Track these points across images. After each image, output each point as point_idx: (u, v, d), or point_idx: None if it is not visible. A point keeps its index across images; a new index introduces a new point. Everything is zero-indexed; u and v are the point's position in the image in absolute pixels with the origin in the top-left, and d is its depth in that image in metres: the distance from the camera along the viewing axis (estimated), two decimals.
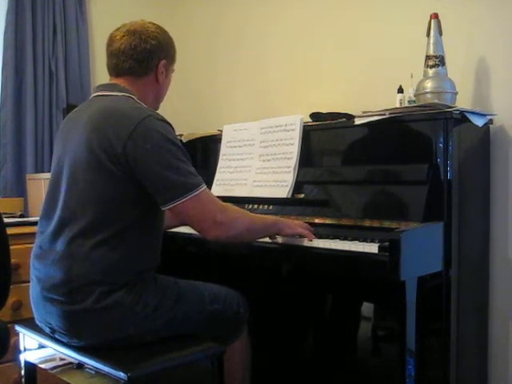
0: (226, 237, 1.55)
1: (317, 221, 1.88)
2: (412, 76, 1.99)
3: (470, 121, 1.76)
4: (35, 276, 1.58)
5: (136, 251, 1.52)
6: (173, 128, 1.57)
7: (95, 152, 1.48)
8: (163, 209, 1.51)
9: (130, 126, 1.47)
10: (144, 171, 1.47)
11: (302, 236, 1.72)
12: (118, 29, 1.68)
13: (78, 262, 1.47)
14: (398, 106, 2.02)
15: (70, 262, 1.48)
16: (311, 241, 1.70)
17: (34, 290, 1.59)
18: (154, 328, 1.53)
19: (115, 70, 1.66)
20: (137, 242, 1.53)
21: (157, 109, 1.73)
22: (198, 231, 1.55)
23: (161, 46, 1.67)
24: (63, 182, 1.55)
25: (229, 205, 1.61)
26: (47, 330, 1.59)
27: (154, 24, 1.70)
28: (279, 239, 1.76)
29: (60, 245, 1.50)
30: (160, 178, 1.47)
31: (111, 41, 1.67)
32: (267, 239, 1.75)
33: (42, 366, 1.73)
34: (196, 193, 1.48)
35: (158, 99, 1.75)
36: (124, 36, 1.64)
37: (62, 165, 1.57)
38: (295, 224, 1.75)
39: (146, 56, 1.64)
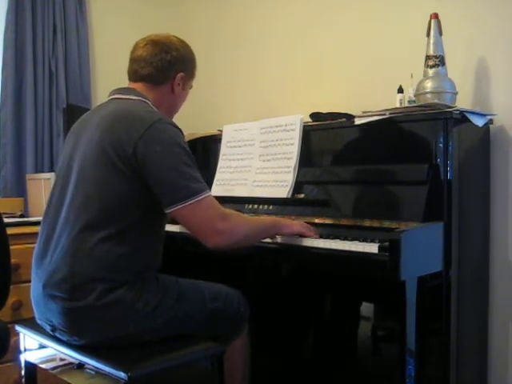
0: (225, 245, 1.56)
1: (317, 221, 1.88)
2: (412, 76, 1.99)
3: (470, 121, 1.76)
4: (37, 274, 1.58)
5: (137, 250, 1.53)
6: (182, 133, 1.60)
7: (107, 151, 1.51)
8: (166, 211, 1.52)
9: (142, 128, 1.50)
10: (151, 172, 1.49)
11: (302, 236, 1.73)
12: (142, 38, 1.73)
13: (81, 259, 1.48)
14: (398, 105, 2.02)
15: (73, 258, 1.49)
16: (314, 237, 1.71)
17: (35, 287, 1.59)
18: (154, 326, 1.53)
19: (134, 75, 1.71)
20: (139, 242, 1.53)
21: None
22: (198, 238, 1.56)
23: (181, 59, 1.72)
24: (72, 180, 1.56)
25: (229, 211, 1.61)
26: (48, 328, 1.59)
27: (178, 38, 1.77)
28: (279, 239, 1.76)
29: (63, 242, 1.51)
30: (165, 180, 1.49)
31: (135, 48, 1.73)
32: (267, 239, 1.76)
33: (43, 366, 1.73)
34: (198, 198, 1.49)
35: (171, 111, 1.78)
36: (147, 44, 1.70)
37: (71, 163, 1.59)
38: (294, 224, 1.75)
39: (165, 65, 1.69)
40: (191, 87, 1.83)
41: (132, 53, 1.73)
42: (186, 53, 1.76)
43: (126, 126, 1.52)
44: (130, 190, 1.51)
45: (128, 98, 1.65)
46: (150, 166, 1.48)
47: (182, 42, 1.77)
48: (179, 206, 1.48)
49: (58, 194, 1.60)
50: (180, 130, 1.58)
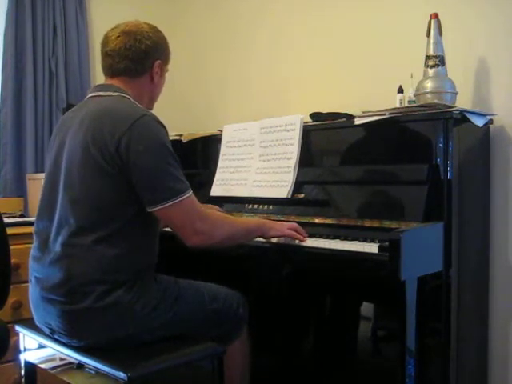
0: (204, 246, 1.56)
1: (317, 221, 1.88)
2: (412, 76, 1.99)
3: (469, 121, 1.76)
4: (34, 277, 1.58)
5: (133, 250, 1.52)
6: (166, 129, 1.57)
7: (90, 152, 1.49)
8: (148, 210, 1.51)
9: (124, 126, 1.48)
10: (133, 171, 1.48)
11: (292, 239, 1.73)
12: (112, 29, 1.67)
13: (77, 262, 1.48)
14: (397, 106, 2.02)
15: (68, 261, 1.48)
16: (304, 240, 1.71)
17: (33, 291, 1.59)
18: (153, 327, 1.53)
19: (110, 70, 1.66)
20: (134, 241, 1.53)
21: (151, 108, 1.74)
22: (179, 237, 1.56)
23: (155, 47, 1.67)
24: (60, 182, 1.55)
25: (210, 212, 1.62)
26: (47, 331, 1.59)
27: (148, 24, 1.70)
28: (280, 239, 1.76)
29: (58, 245, 1.51)
30: (147, 180, 1.48)
31: (106, 41, 1.66)
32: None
33: (42, 366, 1.74)
34: (180, 199, 1.49)
35: (152, 99, 1.76)
36: (119, 37, 1.63)
37: (58, 165, 1.57)
38: (282, 226, 1.75)
39: (140, 57, 1.64)
40: (167, 71, 1.78)
41: (104, 46, 1.66)
42: (159, 39, 1.70)
43: (108, 124, 1.49)
44: (117, 190, 1.50)
45: (108, 95, 1.61)
46: (133, 164, 1.47)
47: (154, 27, 1.71)
48: (161, 206, 1.48)
49: (49, 196, 1.58)
50: (163, 126, 1.56)
